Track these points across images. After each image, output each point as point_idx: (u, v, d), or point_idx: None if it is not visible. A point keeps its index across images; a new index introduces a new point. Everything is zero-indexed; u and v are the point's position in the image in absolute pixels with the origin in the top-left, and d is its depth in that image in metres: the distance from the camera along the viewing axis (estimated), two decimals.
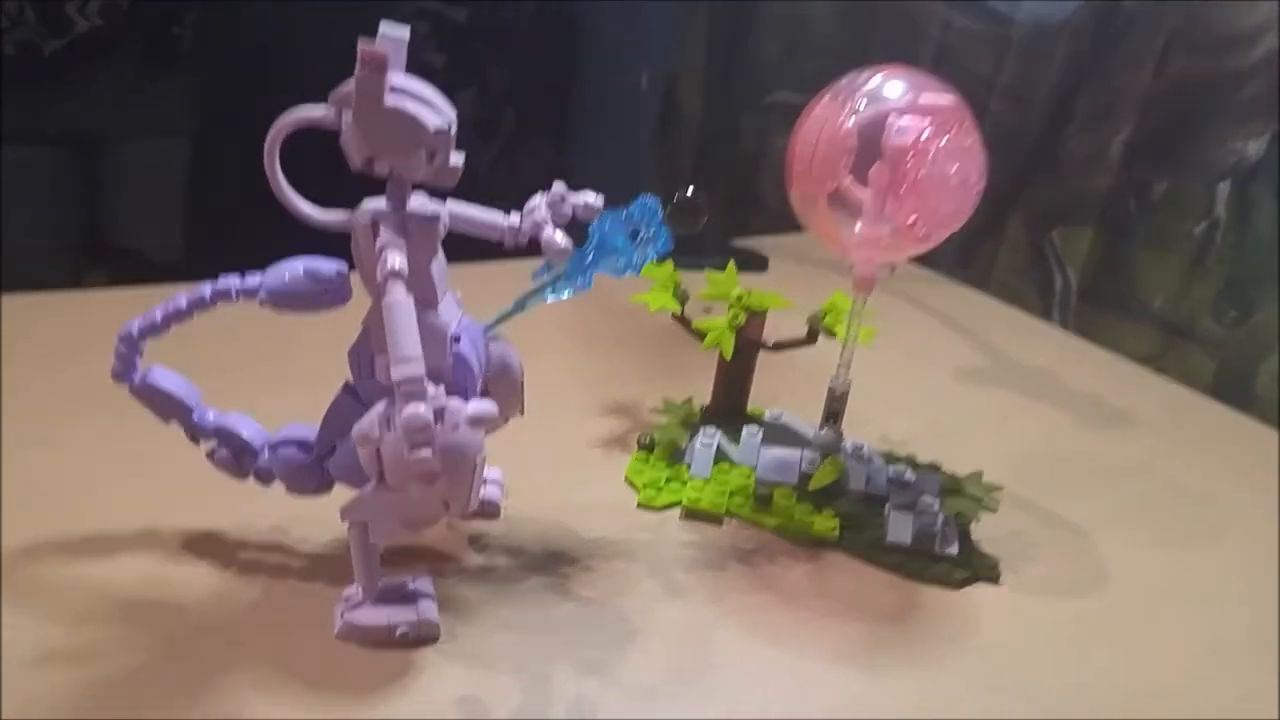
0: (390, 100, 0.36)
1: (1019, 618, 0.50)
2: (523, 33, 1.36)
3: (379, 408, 0.36)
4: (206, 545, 0.47)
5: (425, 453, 0.34)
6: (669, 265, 0.62)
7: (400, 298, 0.36)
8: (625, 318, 0.76)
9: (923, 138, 0.46)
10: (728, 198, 1.22)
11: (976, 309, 0.94)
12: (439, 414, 0.35)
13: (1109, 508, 0.61)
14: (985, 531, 0.54)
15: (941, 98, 0.47)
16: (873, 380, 0.58)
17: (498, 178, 1.37)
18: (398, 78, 0.37)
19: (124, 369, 0.42)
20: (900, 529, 0.52)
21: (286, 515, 0.47)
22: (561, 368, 0.71)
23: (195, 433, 0.44)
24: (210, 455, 0.45)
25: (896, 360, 0.76)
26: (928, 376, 0.78)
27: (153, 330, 0.41)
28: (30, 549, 0.46)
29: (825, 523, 0.54)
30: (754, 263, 0.97)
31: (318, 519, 0.46)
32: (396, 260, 0.37)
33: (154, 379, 0.43)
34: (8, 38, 1.10)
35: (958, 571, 0.51)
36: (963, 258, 1.05)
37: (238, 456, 0.44)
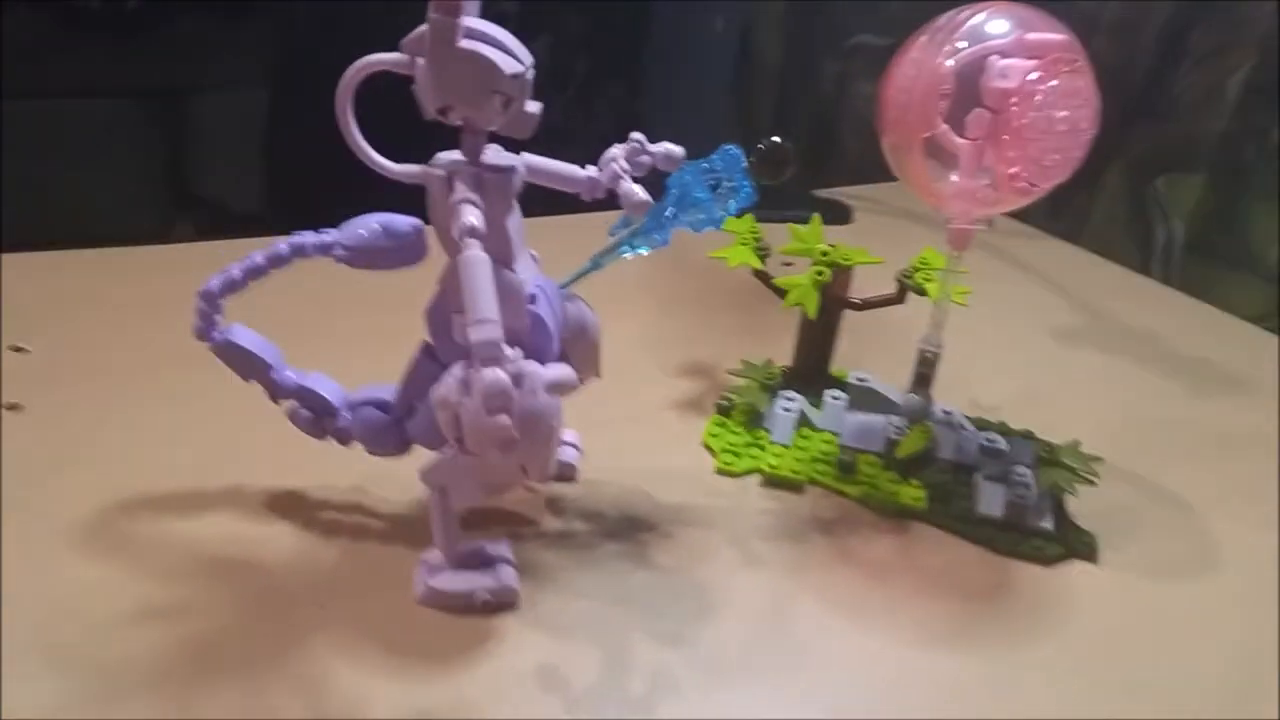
0: (464, 44, 0.34)
1: (1117, 599, 0.47)
2: None
3: (456, 371, 0.34)
4: (288, 504, 0.47)
5: (504, 419, 0.33)
6: (749, 218, 0.59)
7: (477, 255, 0.34)
8: (703, 274, 0.74)
9: (1028, 79, 0.42)
10: (807, 146, 1.19)
11: (1074, 264, 0.90)
12: (517, 379, 0.34)
13: (1218, 481, 0.57)
14: (1083, 505, 0.52)
15: (1051, 36, 0.44)
16: (963, 341, 0.55)
17: (572, 126, 1.36)
18: (472, 22, 0.35)
19: (205, 327, 0.42)
20: (991, 501, 0.50)
21: (366, 474, 0.47)
22: (638, 326, 0.69)
23: (275, 392, 0.44)
24: (291, 415, 0.45)
25: (988, 320, 0.73)
26: (1022, 337, 0.74)
27: (232, 287, 0.41)
28: (121, 505, 0.46)
29: (912, 493, 0.51)
30: (836, 214, 0.94)
31: (397, 479, 0.45)
32: (473, 217, 0.35)
33: (235, 336, 0.43)
34: None
35: (1052, 548, 0.49)
36: (1054, 209, 1.00)
37: (317, 416, 0.44)
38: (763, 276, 0.58)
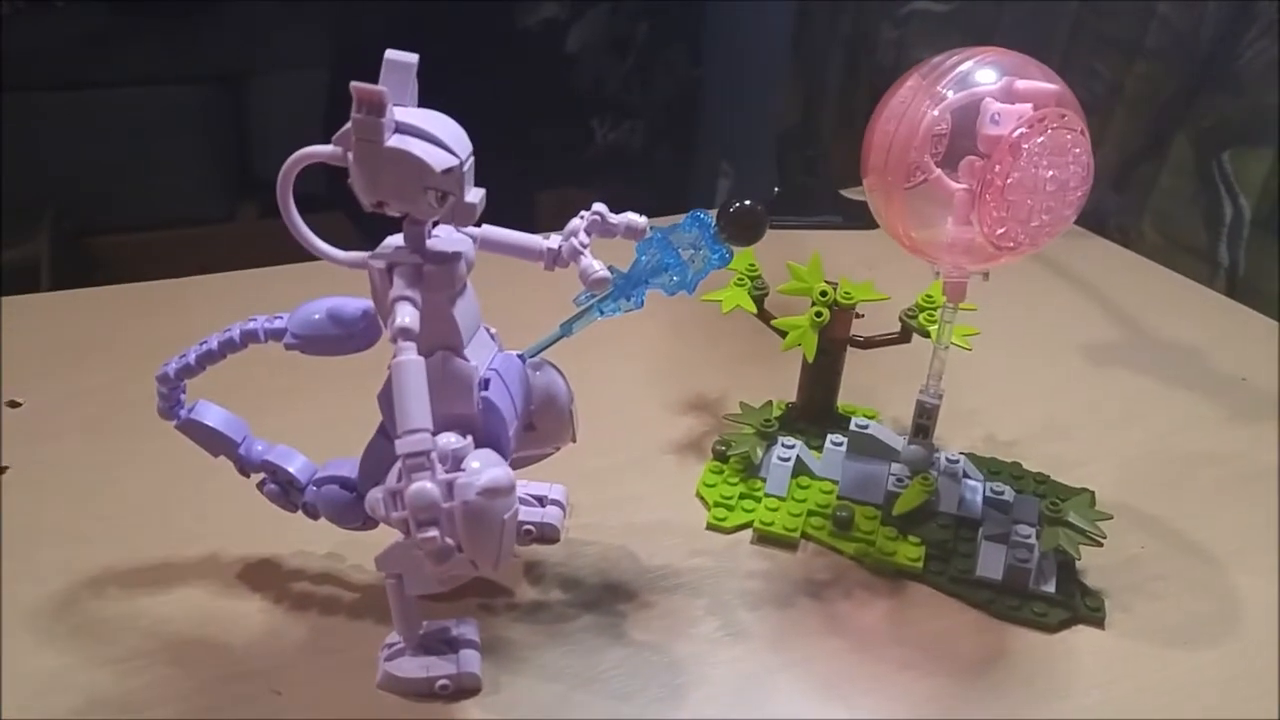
0: (392, 142, 0.33)
1: (1126, 669, 0.44)
2: None
3: (389, 479, 0.34)
4: (262, 574, 0.47)
5: (432, 532, 0.32)
6: (749, 254, 0.57)
7: (408, 361, 0.33)
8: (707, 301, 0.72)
9: (1014, 134, 0.39)
10: (857, 128, 1.15)
11: (1115, 266, 0.85)
12: (449, 488, 0.33)
13: (1246, 527, 0.53)
14: (1092, 558, 0.49)
15: (1042, 85, 0.40)
16: (983, 362, 0.52)
17: (631, 92, 1.34)
18: (403, 114, 0.34)
19: (168, 408, 0.42)
20: (991, 563, 0.48)
21: (343, 541, 0.47)
22: (638, 357, 0.68)
23: (244, 466, 0.44)
24: (260, 487, 0.45)
25: (1012, 335, 0.70)
26: (1049, 354, 0.70)
27: (188, 372, 0.41)
28: (91, 581, 0.46)
29: (910, 551, 0.49)
30: (865, 218, 0.90)
31: (373, 546, 0.45)
32: (407, 316, 0.34)
33: (199, 415, 0.43)
34: None
35: (1055, 613, 0.46)
36: (1119, 180, 0.95)
37: (285, 490, 0.44)
38: (762, 317, 0.56)
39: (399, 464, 0.33)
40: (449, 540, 0.33)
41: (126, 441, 0.55)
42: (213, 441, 0.44)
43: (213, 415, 0.43)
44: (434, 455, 0.32)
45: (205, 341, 0.41)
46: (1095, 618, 0.47)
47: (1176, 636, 0.46)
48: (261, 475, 0.44)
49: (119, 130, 1.16)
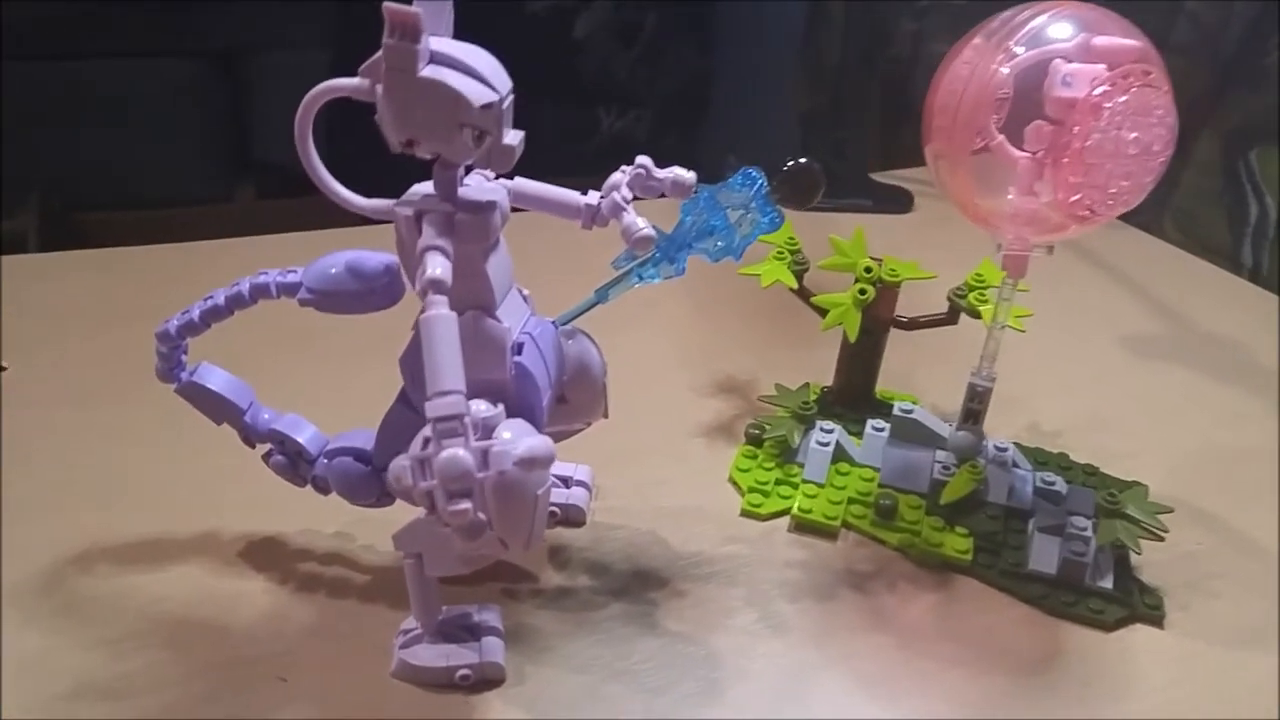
0: (427, 72, 0.30)
1: (1186, 671, 0.41)
2: None
3: (415, 447, 0.30)
4: (266, 552, 0.44)
5: (465, 504, 0.29)
6: (788, 227, 0.54)
7: (439, 315, 0.30)
8: (741, 278, 0.69)
9: (1095, 93, 0.36)
10: (873, 116, 1.12)
11: (1153, 257, 0.82)
12: (483, 456, 0.30)
13: None
14: (1150, 554, 0.46)
15: (1123, 41, 0.37)
16: (1024, 354, 0.49)
17: (638, 83, 1.30)
18: (439, 44, 0.31)
19: (168, 369, 0.39)
20: (1045, 557, 0.45)
21: (353, 518, 0.43)
22: (668, 337, 0.65)
23: (249, 435, 0.41)
24: (266, 458, 0.41)
25: (1055, 327, 0.67)
26: (1091, 347, 0.67)
27: (191, 329, 0.38)
28: (79, 557, 0.43)
29: (958, 542, 0.46)
30: (897, 201, 0.88)
31: (386, 524, 0.41)
32: (438, 268, 0.31)
33: (202, 378, 0.40)
34: None
35: (1111, 610, 0.43)
36: None
37: (294, 462, 0.41)
38: (801, 294, 0.53)
39: (426, 430, 0.30)
40: (480, 515, 0.30)
41: (118, 409, 0.52)
42: (215, 407, 0.40)
43: (216, 379, 0.40)
44: (468, 420, 0.29)
45: (211, 296, 0.37)
46: (1154, 616, 0.44)
47: (1239, 638, 0.43)
48: (268, 446, 0.41)
49: (113, 104, 1.13)
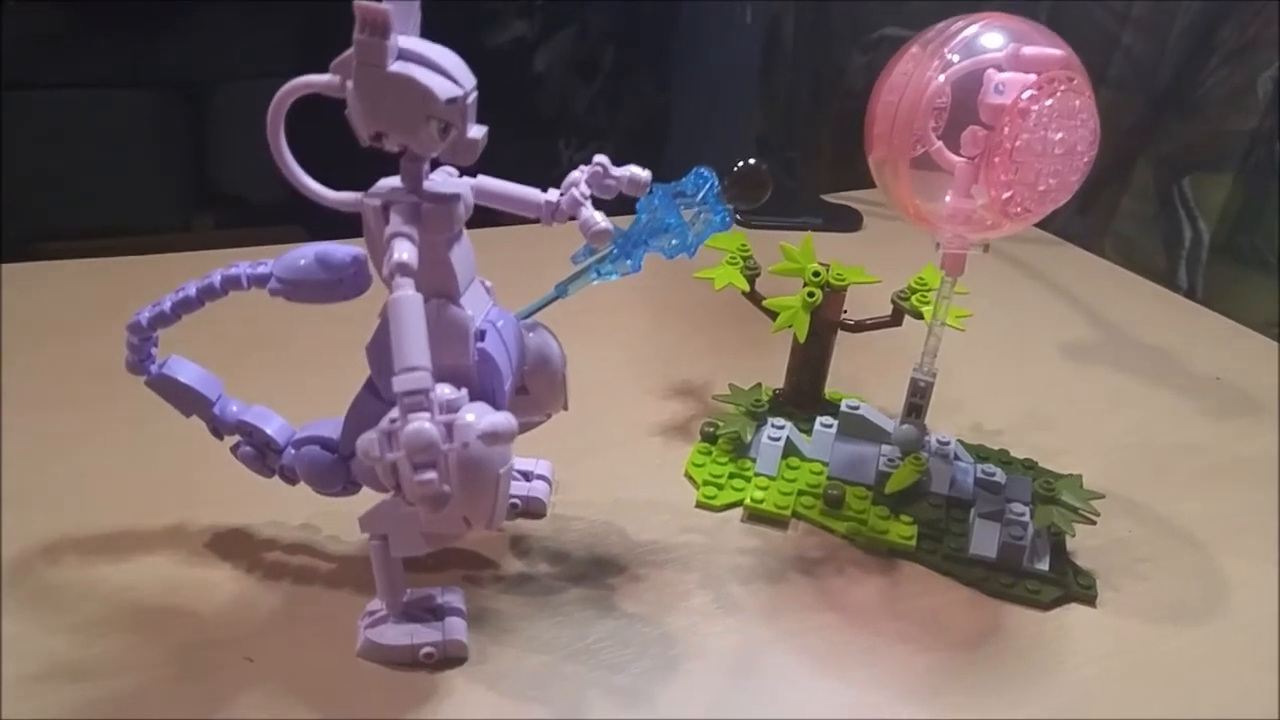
0: (395, 67, 0.32)
1: (1116, 645, 0.44)
2: None
3: (383, 422, 0.32)
4: (233, 543, 0.44)
5: (430, 475, 0.30)
6: (739, 235, 0.56)
7: (406, 296, 0.32)
8: (697, 282, 0.71)
9: (1024, 97, 0.39)
10: (825, 145, 1.16)
11: (1089, 271, 0.86)
12: (448, 429, 0.31)
13: (1228, 512, 0.53)
14: (1084, 540, 0.48)
15: (1048, 51, 0.40)
16: (968, 357, 0.52)
17: (597, 117, 1.33)
18: (406, 41, 0.32)
19: (138, 361, 0.40)
20: (985, 541, 0.47)
21: (320, 510, 0.45)
22: (624, 342, 0.67)
23: (217, 427, 0.42)
24: (234, 450, 0.42)
25: (996, 333, 0.70)
26: (1030, 353, 0.71)
27: (163, 320, 0.39)
28: (47, 548, 0.44)
29: (902, 530, 0.48)
30: (847, 221, 0.91)
31: (352, 514, 0.43)
32: (405, 252, 0.33)
33: (172, 370, 0.41)
34: None
35: (1048, 590, 0.46)
36: (1083, 204, 0.96)
37: (261, 453, 0.42)
38: (753, 297, 0.55)
39: (385, 418, 0.31)
40: (445, 487, 0.31)
41: (87, 409, 0.53)
42: (185, 399, 0.41)
43: (186, 371, 0.41)
44: (433, 395, 0.31)
45: (183, 288, 0.39)
46: (1087, 595, 0.46)
47: (1165, 615, 0.46)
48: (236, 437, 0.42)
49: (70, 134, 1.12)
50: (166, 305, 0.39)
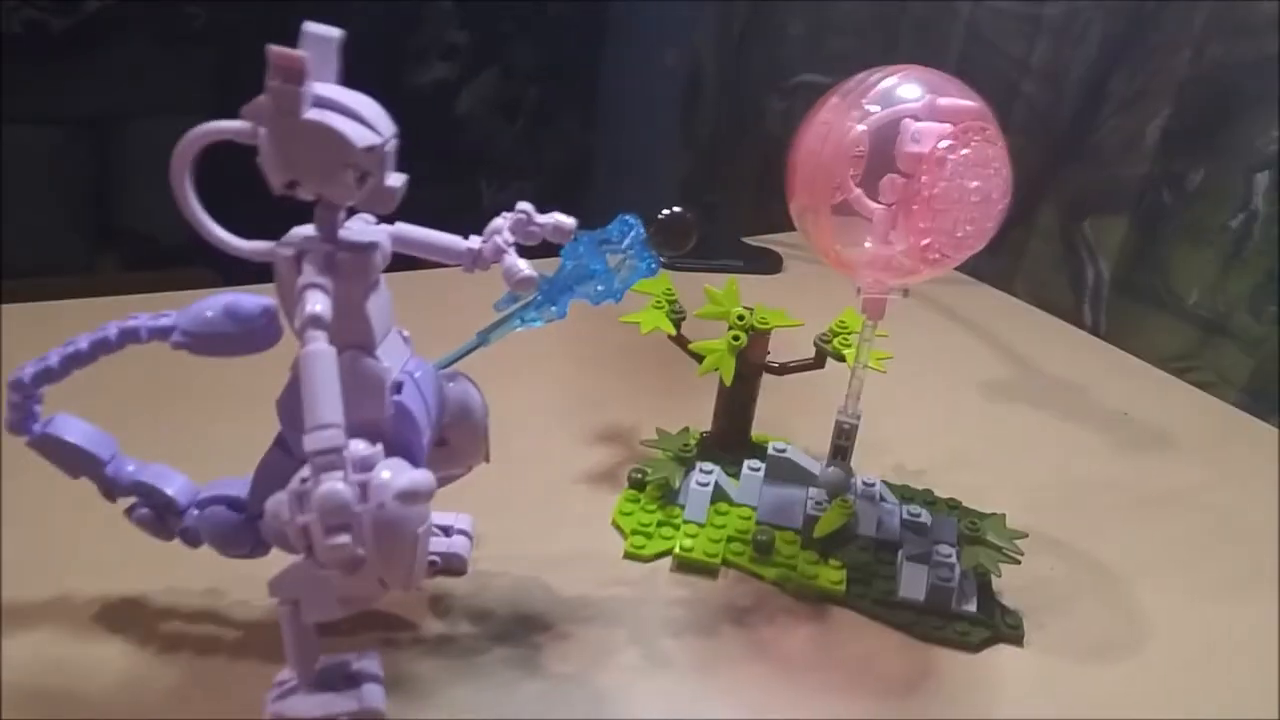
0: (311, 115, 0.30)
1: (1043, 685, 0.44)
2: (547, 10, 1.31)
3: (294, 481, 0.30)
4: (124, 614, 0.41)
5: (343, 538, 0.29)
6: (664, 279, 0.56)
7: (318, 350, 0.30)
8: (621, 327, 0.71)
9: (940, 146, 0.40)
10: (746, 190, 1.17)
11: (1002, 311, 0.88)
12: (362, 489, 0.30)
13: (1143, 546, 0.55)
14: (1009, 580, 0.49)
15: (962, 102, 0.41)
16: (888, 398, 0.52)
17: (521, 157, 1.32)
18: (322, 88, 0.31)
19: (20, 420, 0.37)
20: (913, 584, 0.47)
21: (223, 574, 0.42)
22: (550, 387, 0.65)
23: (110, 489, 0.39)
24: (129, 512, 0.40)
25: (915, 375, 0.71)
26: (950, 393, 0.72)
27: (49, 377, 0.36)
28: None
29: (831, 575, 0.48)
30: (767, 263, 0.91)
31: (259, 577, 0.40)
32: (318, 304, 0.31)
33: (58, 430, 0.38)
34: (15, 16, 1.05)
35: (976, 632, 0.46)
36: (992, 245, 0.99)
37: (161, 515, 0.39)
38: (679, 341, 0.55)
39: (295, 478, 0.29)
40: (360, 550, 0.29)
41: None
42: (73, 460, 0.38)
43: (75, 430, 0.38)
44: (346, 454, 0.29)
45: (72, 342, 0.36)
46: (1015, 636, 0.46)
47: (1090, 652, 0.46)
48: (131, 499, 0.39)
49: None
50: (54, 360, 0.36)
